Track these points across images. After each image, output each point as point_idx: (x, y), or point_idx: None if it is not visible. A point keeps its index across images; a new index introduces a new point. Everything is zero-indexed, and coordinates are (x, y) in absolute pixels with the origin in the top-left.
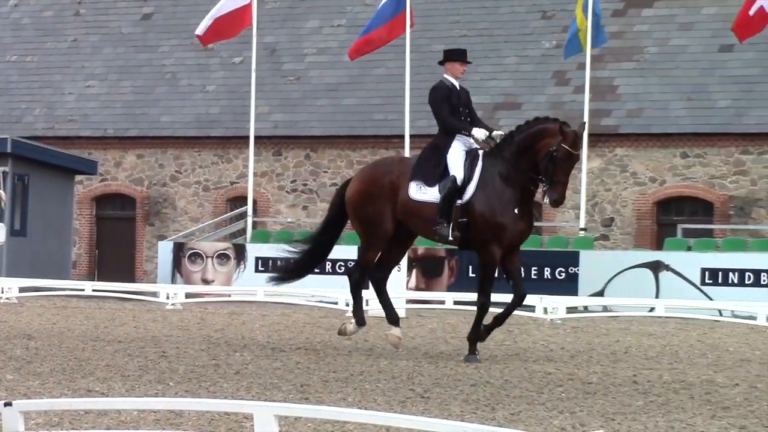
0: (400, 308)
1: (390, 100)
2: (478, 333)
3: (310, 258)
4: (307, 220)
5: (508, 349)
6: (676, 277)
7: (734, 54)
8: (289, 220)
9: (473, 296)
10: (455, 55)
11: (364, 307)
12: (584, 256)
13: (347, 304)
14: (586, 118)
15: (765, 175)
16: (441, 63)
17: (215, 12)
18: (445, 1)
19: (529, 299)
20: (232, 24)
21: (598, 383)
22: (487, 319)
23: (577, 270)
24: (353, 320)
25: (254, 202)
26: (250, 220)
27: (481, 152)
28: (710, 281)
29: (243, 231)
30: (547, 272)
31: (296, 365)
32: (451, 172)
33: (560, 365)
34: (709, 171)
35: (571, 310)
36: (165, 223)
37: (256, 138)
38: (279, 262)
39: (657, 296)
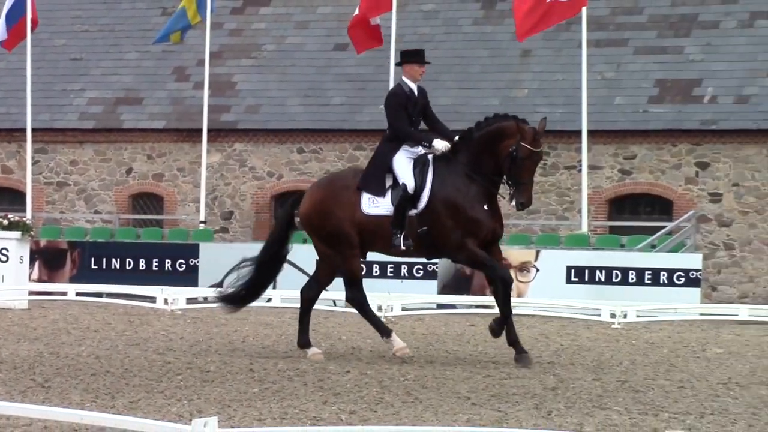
0: (23, 300)
1: (12, 93)
2: (514, 332)
3: (257, 282)
4: None
5: (128, 339)
6: (294, 269)
7: (348, 53)
8: None
9: (95, 288)
10: (413, 57)
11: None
12: (204, 248)
13: None
14: (205, 114)
15: None
16: (399, 65)
17: None
18: None
19: (150, 290)
20: None
21: (216, 372)
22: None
23: (197, 262)
24: (388, 339)
25: None
26: None
27: (430, 157)
28: None
29: None
30: (168, 264)
31: None
32: (401, 180)
33: (179, 354)
34: (324, 166)
35: (191, 300)
36: None
37: None
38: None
39: (275, 287)
